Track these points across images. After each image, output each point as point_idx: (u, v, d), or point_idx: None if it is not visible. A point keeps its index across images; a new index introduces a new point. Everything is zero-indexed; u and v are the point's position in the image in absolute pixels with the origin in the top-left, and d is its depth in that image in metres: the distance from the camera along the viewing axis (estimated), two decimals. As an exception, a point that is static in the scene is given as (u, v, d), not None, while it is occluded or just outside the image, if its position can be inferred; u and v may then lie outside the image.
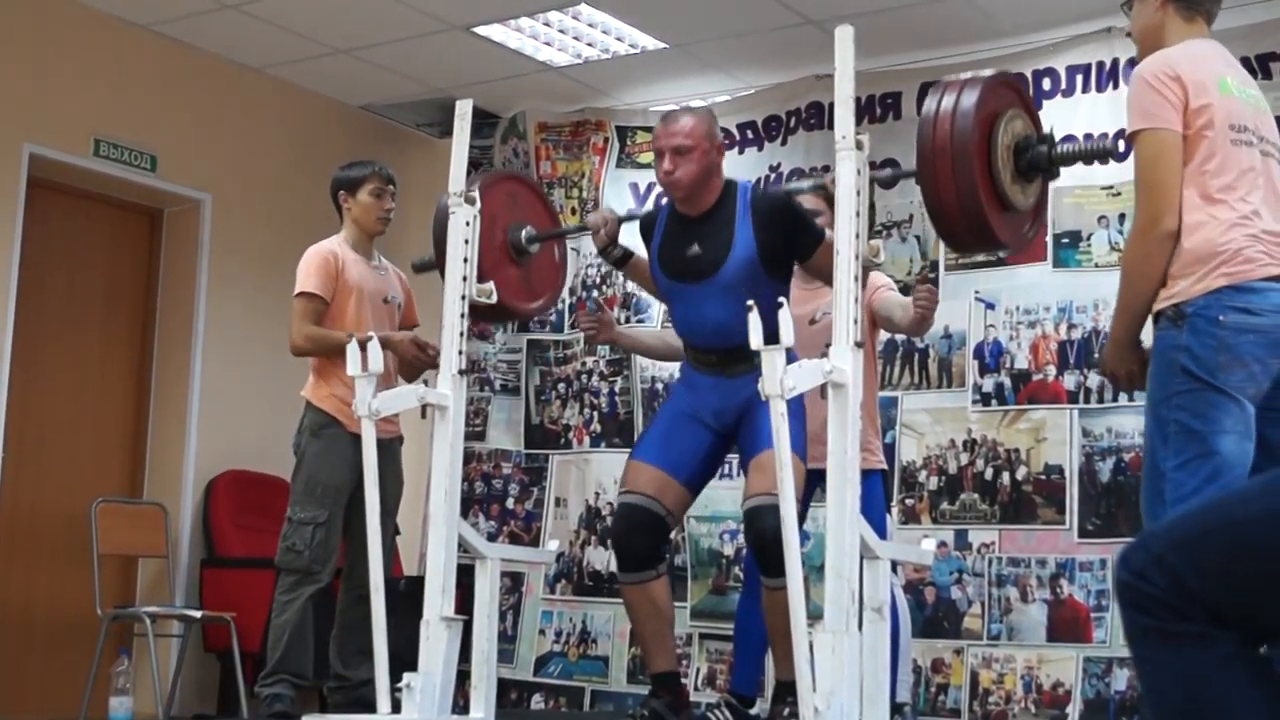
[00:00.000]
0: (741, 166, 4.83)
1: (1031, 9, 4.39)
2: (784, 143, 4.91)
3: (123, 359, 5.08)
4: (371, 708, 2.95)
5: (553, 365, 5.34)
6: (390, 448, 3.59)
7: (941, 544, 4.34)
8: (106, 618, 4.49)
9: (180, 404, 4.98)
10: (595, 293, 5.22)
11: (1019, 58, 4.45)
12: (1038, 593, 4.32)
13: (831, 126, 2.60)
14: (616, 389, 5.14)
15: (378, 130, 5.63)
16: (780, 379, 2.27)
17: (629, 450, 4.78)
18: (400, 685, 2.85)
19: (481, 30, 4.78)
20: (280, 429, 3.84)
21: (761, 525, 2.71)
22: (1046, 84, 4.49)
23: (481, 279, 2.96)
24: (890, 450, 4.35)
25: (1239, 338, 2.30)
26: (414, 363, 3.58)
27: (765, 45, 4.76)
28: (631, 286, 5.08)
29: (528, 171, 5.23)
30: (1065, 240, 4.41)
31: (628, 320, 5.07)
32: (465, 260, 2.93)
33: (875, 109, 4.76)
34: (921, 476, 4.49)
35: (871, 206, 2.87)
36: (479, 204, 2.95)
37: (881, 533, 2.79)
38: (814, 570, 3.42)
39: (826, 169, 3.25)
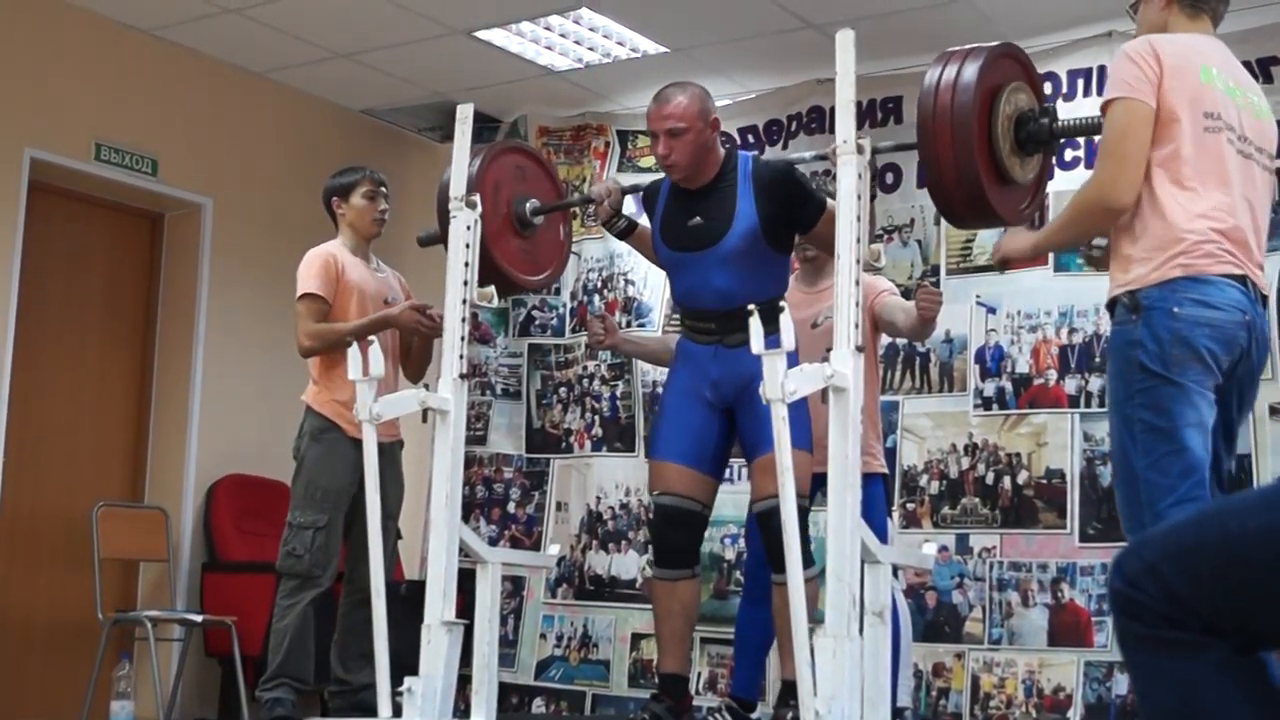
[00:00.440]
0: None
1: (1032, 13, 4.40)
2: (785, 146, 4.90)
3: (124, 363, 5.07)
4: (372, 712, 2.95)
5: (554, 369, 5.32)
6: (391, 452, 3.58)
7: (943, 548, 4.33)
8: (107, 622, 4.48)
9: (181, 408, 4.98)
10: (597, 297, 5.21)
11: (1056, 55, 4.49)
12: (1039, 597, 4.29)
13: (832, 130, 2.61)
14: (618, 393, 5.13)
15: (379, 134, 5.62)
16: (781, 383, 2.27)
17: (631, 454, 4.89)
18: (401, 689, 2.84)
19: (483, 35, 4.77)
20: (282, 432, 3.84)
21: (777, 524, 2.63)
22: (1048, 88, 4.46)
23: (484, 258, 2.96)
24: (891, 454, 4.35)
25: (1194, 330, 2.29)
26: (418, 330, 3.55)
27: (766, 49, 4.75)
28: (632, 291, 5.07)
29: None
30: (1067, 244, 4.47)
31: (629, 325, 5.07)
32: (466, 265, 2.92)
33: (876, 113, 4.76)
34: (923, 481, 4.48)
35: (872, 214, 2.81)
36: (480, 208, 2.95)
37: (882, 537, 2.78)
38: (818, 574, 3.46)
39: (828, 173, 3.23)
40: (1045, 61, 4.50)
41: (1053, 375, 4.37)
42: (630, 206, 3.35)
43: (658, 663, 3.07)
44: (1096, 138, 2.50)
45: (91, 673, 4.39)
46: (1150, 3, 2.53)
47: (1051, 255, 4.45)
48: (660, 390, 4.73)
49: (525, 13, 4.60)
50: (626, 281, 5.12)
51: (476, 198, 2.95)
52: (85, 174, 4.78)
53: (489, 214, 3.01)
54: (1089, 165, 4.01)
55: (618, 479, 5.04)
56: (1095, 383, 4.30)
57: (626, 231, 3.15)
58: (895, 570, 3.06)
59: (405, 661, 2.91)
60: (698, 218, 2.92)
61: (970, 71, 2.50)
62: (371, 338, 3.01)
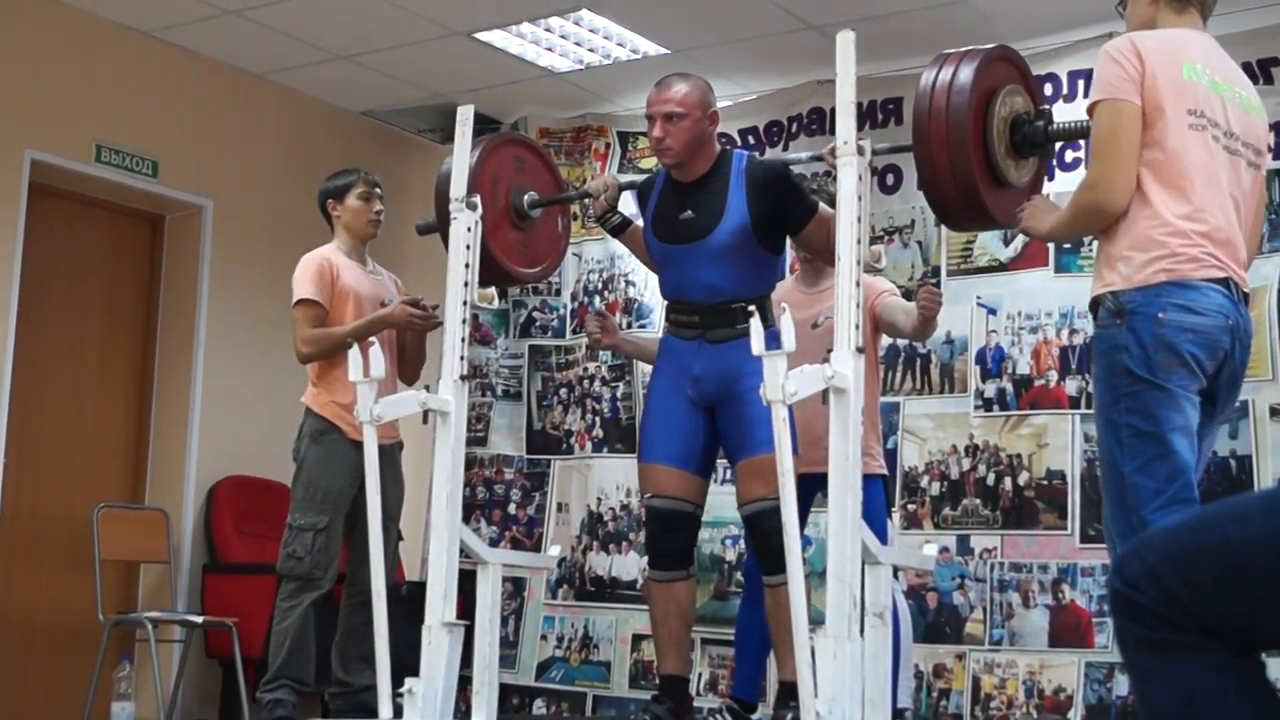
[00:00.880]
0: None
1: (1032, 14, 4.39)
2: (785, 147, 4.88)
3: (124, 364, 5.05)
4: (373, 713, 2.95)
5: (554, 370, 5.30)
6: (391, 454, 3.57)
7: (943, 549, 4.32)
8: (108, 623, 4.47)
9: (182, 409, 4.96)
10: (598, 298, 5.20)
11: (1057, 57, 4.47)
12: (1039, 598, 4.27)
13: (833, 131, 2.60)
14: (618, 394, 5.11)
15: (379, 136, 5.59)
16: (782, 384, 2.26)
17: (632, 455, 4.69)
18: (402, 691, 2.84)
19: (483, 36, 4.75)
20: (282, 434, 3.82)
21: (767, 525, 2.70)
22: (1048, 89, 4.49)
23: (483, 254, 2.96)
24: (892, 455, 4.34)
25: (1178, 336, 2.29)
26: (412, 325, 3.53)
27: (766, 50, 4.73)
28: (633, 292, 5.05)
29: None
30: (1067, 246, 4.37)
31: (629, 326, 5.06)
32: (467, 266, 2.93)
33: (877, 114, 4.73)
34: (923, 482, 4.46)
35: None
36: (480, 209, 2.96)
37: (882, 538, 2.77)
38: (816, 575, 3.40)
39: (828, 174, 3.15)
40: (1045, 63, 4.48)
41: (1053, 376, 4.35)
42: (630, 207, 3.34)
43: (658, 665, 3.07)
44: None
45: (92, 674, 4.39)
46: None
47: (1052, 257, 4.42)
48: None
49: (526, 14, 4.58)
50: (627, 283, 5.10)
51: (477, 199, 2.96)
52: (86, 175, 4.77)
53: (486, 205, 3.01)
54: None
55: (618, 480, 5.00)
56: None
57: (620, 228, 3.15)
58: (896, 571, 3.06)
59: (406, 663, 2.90)
60: (689, 211, 2.91)
61: (966, 74, 2.50)
62: (372, 339, 3.05)
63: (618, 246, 4.73)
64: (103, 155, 4.79)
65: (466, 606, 3.00)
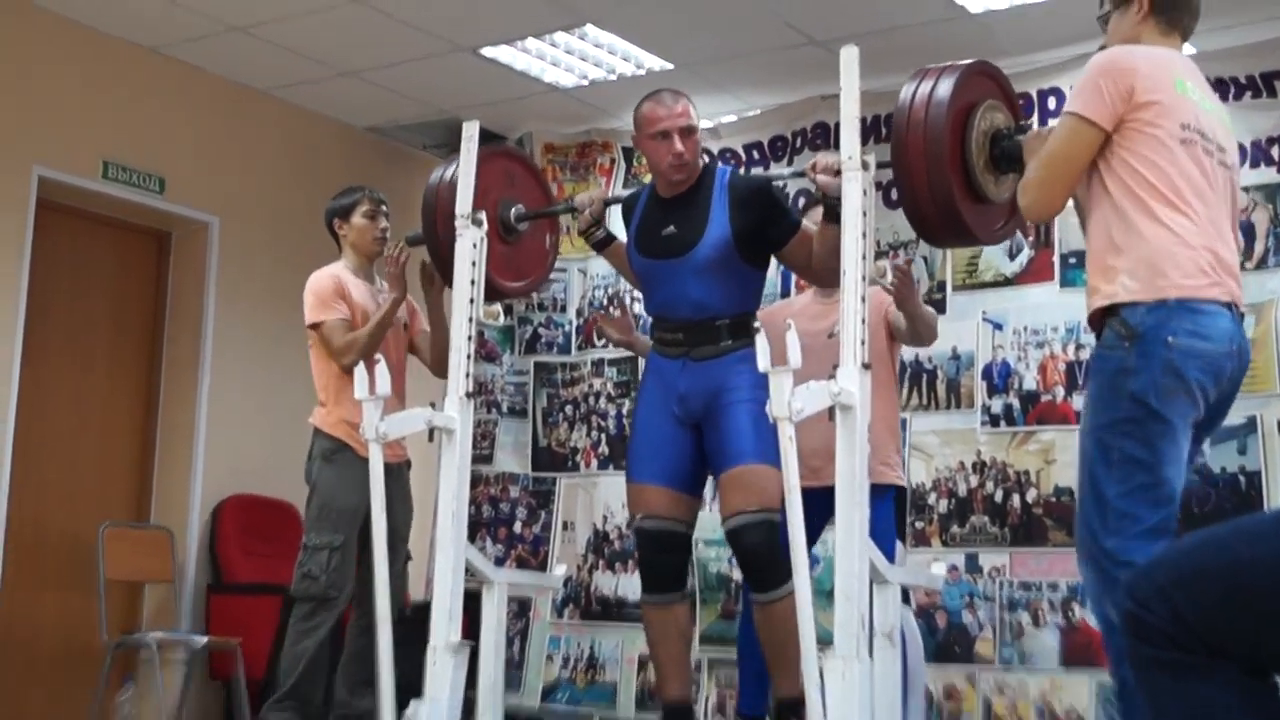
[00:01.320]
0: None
1: (1035, 29, 4.36)
2: (790, 163, 4.85)
3: (130, 382, 5.02)
4: (375, 736, 2.86)
5: (560, 388, 5.25)
6: (398, 473, 3.56)
7: (952, 568, 4.26)
8: (111, 644, 4.44)
9: (187, 428, 4.94)
10: (604, 313, 5.16)
11: (1023, 77, 4.39)
12: (1050, 617, 4.22)
13: (837, 146, 2.59)
14: (624, 411, 5.08)
15: (384, 152, 5.57)
16: (788, 400, 2.24)
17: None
18: (406, 714, 2.81)
19: (488, 52, 4.74)
20: (287, 453, 3.82)
21: (749, 540, 2.69)
22: (1051, 103, 4.46)
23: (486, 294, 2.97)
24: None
25: (1186, 361, 2.26)
26: (396, 277, 3.54)
27: (771, 66, 4.72)
28: (639, 309, 4.94)
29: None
30: (1073, 260, 4.35)
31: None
32: (473, 283, 2.92)
33: (880, 128, 4.68)
34: (931, 499, 4.42)
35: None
36: (486, 225, 2.97)
37: (890, 553, 2.76)
38: (823, 595, 3.36)
39: (808, 195, 3.25)
40: (1047, 77, 4.45)
41: (1060, 392, 4.31)
42: (620, 221, 3.28)
43: (660, 690, 3.04)
44: None
45: (95, 696, 4.38)
46: (1125, 15, 2.49)
47: (1058, 271, 4.39)
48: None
49: (530, 29, 4.56)
50: (633, 299, 5.04)
51: (483, 215, 2.96)
52: (93, 192, 4.76)
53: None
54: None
55: (624, 498, 4.72)
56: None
57: (604, 243, 3.13)
58: (906, 593, 3.03)
59: (410, 684, 2.87)
60: (671, 226, 2.89)
61: (945, 88, 2.49)
62: (378, 356, 3.01)
63: (623, 263, 4.76)
64: (110, 172, 4.79)
65: (471, 627, 2.98)
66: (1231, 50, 4.12)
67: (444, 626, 2.82)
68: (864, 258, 2.44)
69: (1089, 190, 2.37)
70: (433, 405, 2.98)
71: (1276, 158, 4.13)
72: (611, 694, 4.90)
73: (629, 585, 4.90)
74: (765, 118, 5.00)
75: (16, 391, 4.47)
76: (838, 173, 2.51)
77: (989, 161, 2.56)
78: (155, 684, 4.34)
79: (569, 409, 5.24)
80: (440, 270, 3.21)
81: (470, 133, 3.03)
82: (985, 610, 4.26)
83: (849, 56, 2.54)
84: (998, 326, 4.44)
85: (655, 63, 4.81)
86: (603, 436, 5.11)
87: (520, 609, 5.04)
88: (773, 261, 3.01)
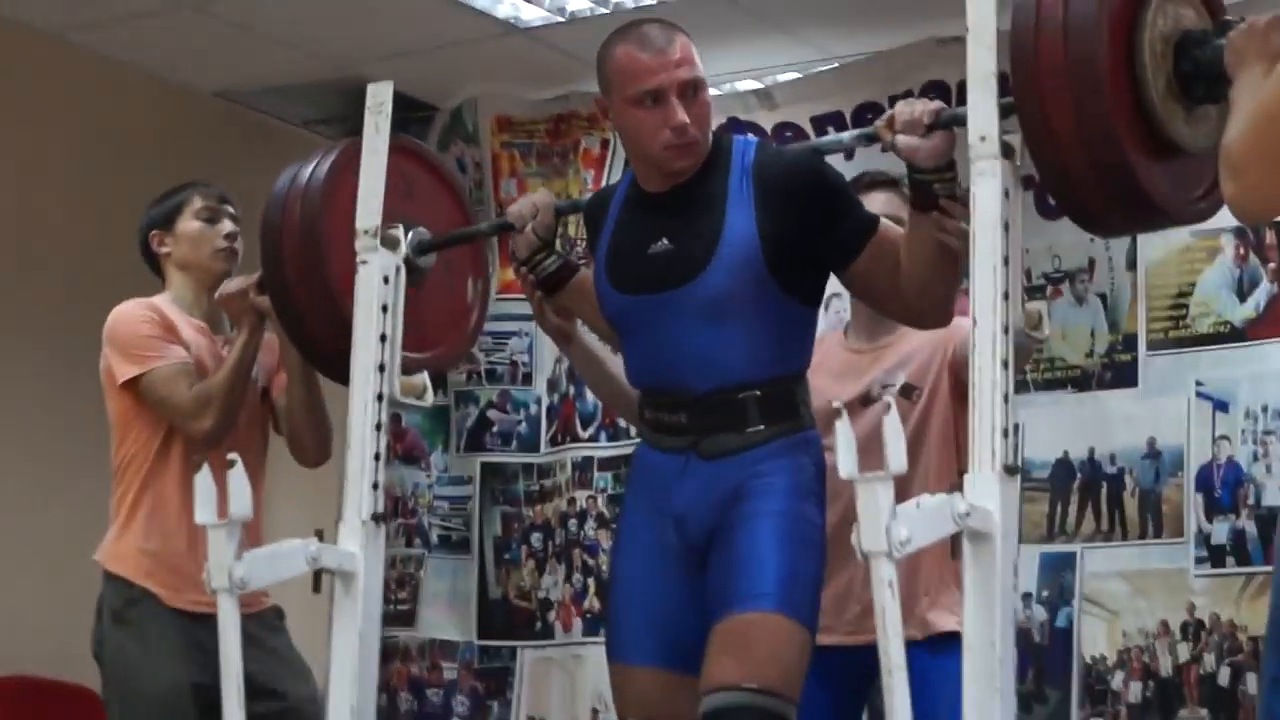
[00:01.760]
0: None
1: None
2: (885, 147, 3.93)
3: None
4: None
5: (523, 504, 4.45)
6: (261, 628, 2.98)
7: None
8: None
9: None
10: (591, 391, 4.23)
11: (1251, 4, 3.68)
12: None
13: (962, 121, 2.21)
14: (623, 541, 4.28)
15: (242, 128, 4.86)
16: (886, 525, 1.86)
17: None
18: None
19: None
20: (84, 611, 3.17)
21: None
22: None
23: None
24: (1065, 637, 3.74)
25: None
26: (243, 316, 3.09)
27: None
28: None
29: (480, 193, 4.53)
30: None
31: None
32: (383, 339, 2.60)
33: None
34: (1115, 680, 3.73)
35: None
36: (404, 247, 2.65)
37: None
38: None
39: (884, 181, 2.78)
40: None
41: (1319, 512, 3.83)
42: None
43: None
44: None
45: None
46: None
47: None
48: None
49: None
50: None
51: (399, 231, 2.65)
52: None
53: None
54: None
55: None
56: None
57: (558, 280, 2.64)
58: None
59: None
60: (664, 240, 2.44)
61: None
62: (234, 456, 2.46)
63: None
64: None
65: None
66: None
67: None
68: (1005, 298, 2.05)
69: None
70: (319, 534, 2.67)
71: None
72: None
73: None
74: (847, 74, 4.20)
75: None
76: (929, 127, 2.18)
77: (1174, 84, 2.14)
78: None
79: (536, 539, 4.44)
80: (290, 331, 2.82)
81: (379, 98, 2.71)
82: None
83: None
84: (1221, 406, 3.75)
85: (670, -15, 4.04)
86: (590, 582, 4.35)
87: None
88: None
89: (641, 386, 2.52)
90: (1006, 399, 2.06)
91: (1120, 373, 3.68)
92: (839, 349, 2.84)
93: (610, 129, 4.26)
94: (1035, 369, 3.80)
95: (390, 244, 2.58)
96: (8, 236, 4.26)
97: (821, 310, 3.39)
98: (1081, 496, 3.76)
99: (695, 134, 2.34)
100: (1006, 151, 2.09)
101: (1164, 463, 3.72)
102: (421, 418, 4.49)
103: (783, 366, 2.40)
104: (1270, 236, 3.71)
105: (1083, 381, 3.55)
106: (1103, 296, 3.81)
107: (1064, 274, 3.84)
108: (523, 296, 4.00)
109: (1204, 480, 3.69)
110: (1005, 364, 2.07)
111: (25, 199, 4.30)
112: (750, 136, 2.59)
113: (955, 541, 2.05)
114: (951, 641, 2.39)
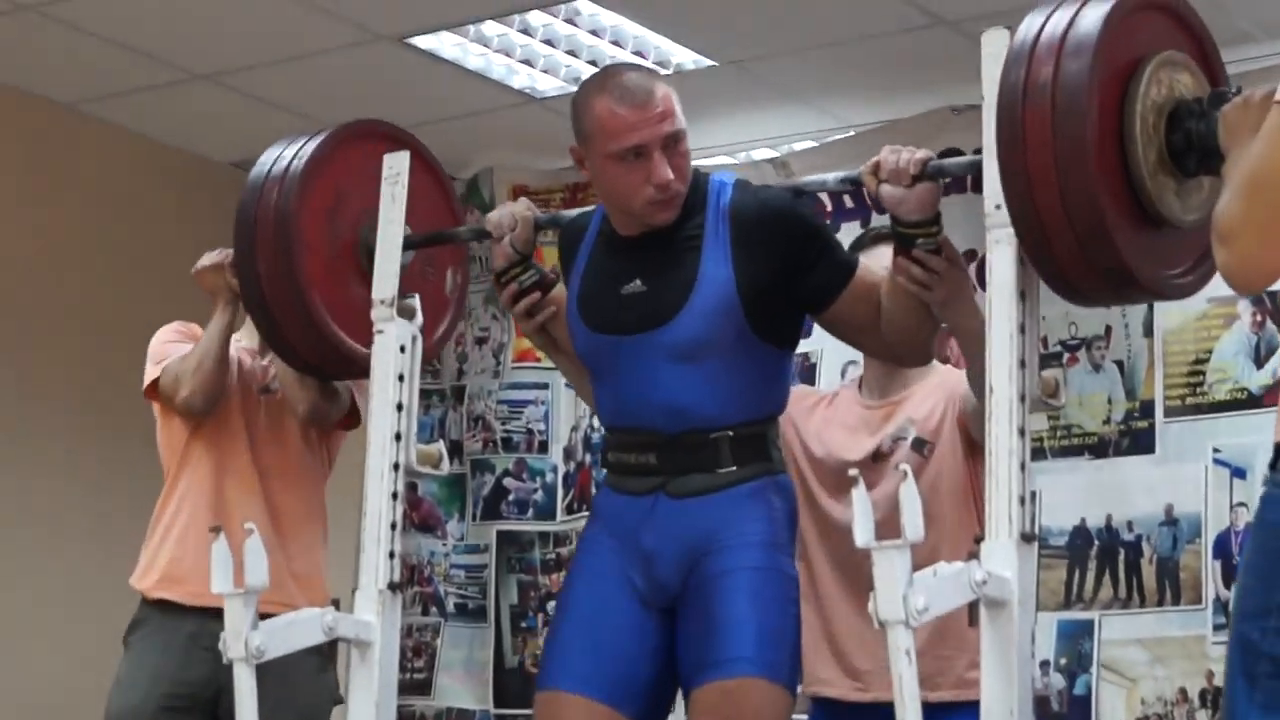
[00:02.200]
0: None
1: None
2: (869, 195, 4.21)
3: None
4: None
5: (539, 573, 4.43)
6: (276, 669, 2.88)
7: None
8: None
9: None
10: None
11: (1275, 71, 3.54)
12: None
13: (978, 189, 2.24)
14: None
15: None
16: (904, 594, 1.86)
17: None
18: None
19: (421, 42, 4.04)
20: (94, 678, 3.15)
21: None
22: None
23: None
24: (1084, 705, 3.73)
25: None
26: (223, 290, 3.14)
27: (872, 60, 4.08)
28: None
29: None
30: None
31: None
32: (400, 408, 2.59)
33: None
34: None
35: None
36: (420, 318, 2.63)
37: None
38: None
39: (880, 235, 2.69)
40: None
41: (1339, 579, 3.53)
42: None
43: None
44: None
45: None
46: None
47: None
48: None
49: (487, 9, 3.87)
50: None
51: (415, 301, 2.62)
52: None
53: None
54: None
55: None
56: None
57: (535, 293, 2.57)
58: None
59: None
60: (637, 280, 2.41)
61: (1091, 21, 2.02)
62: (250, 525, 2.45)
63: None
64: None
65: None
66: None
67: None
68: (1021, 366, 2.07)
69: None
70: (335, 603, 2.74)
71: None
72: None
73: None
74: (862, 142, 4.14)
75: None
76: (914, 179, 2.16)
77: (1165, 156, 2.10)
78: None
79: (552, 607, 4.34)
80: (257, 319, 2.83)
81: (396, 168, 2.70)
82: None
83: (994, 44, 2.13)
84: (1238, 473, 3.75)
85: (687, 56, 4.06)
86: (611, 652, 4.22)
87: None
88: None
89: (611, 426, 2.47)
90: (1023, 467, 2.05)
91: (1137, 439, 3.69)
92: (853, 404, 2.80)
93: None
94: (1052, 436, 3.80)
95: (407, 314, 2.58)
96: (27, 305, 4.31)
97: (839, 377, 3.36)
98: (1099, 563, 3.77)
99: (678, 188, 2.31)
100: (1021, 217, 2.10)
101: (1182, 529, 3.72)
102: (438, 486, 4.53)
103: (755, 410, 2.35)
104: (1287, 303, 3.77)
105: (1100, 448, 3.55)
106: (1119, 363, 3.82)
107: (1081, 341, 3.85)
108: (538, 365, 3.93)
109: (1222, 547, 3.68)
110: (1021, 432, 2.06)
111: (43, 268, 4.36)
112: (726, 175, 2.52)
113: (972, 609, 2.02)
114: (962, 710, 2.36)
